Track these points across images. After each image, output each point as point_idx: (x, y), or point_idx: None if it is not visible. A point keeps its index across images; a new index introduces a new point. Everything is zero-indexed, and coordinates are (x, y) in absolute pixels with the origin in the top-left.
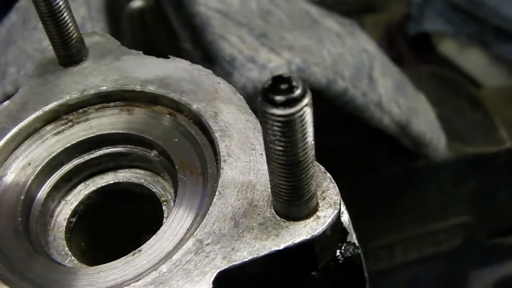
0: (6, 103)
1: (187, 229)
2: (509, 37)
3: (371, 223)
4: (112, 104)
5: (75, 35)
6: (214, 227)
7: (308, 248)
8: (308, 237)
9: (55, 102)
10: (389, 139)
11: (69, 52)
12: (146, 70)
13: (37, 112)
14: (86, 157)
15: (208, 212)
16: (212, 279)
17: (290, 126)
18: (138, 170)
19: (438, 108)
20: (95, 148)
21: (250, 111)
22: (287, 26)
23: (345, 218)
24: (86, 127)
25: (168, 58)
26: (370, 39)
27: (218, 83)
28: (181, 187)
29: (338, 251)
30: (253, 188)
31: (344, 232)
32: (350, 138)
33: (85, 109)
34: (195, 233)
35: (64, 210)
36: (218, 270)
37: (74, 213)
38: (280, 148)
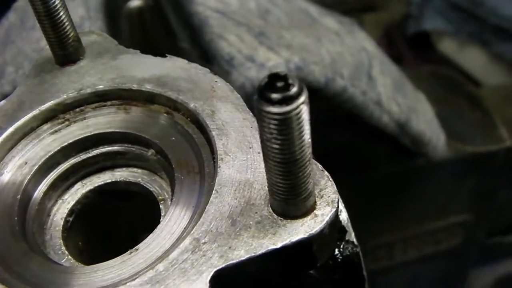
0: (2, 102)
1: (184, 228)
2: (508, 36)
3: (370, 222)
4: (109, 103)
5: (71, 34)
6: (211, 225)
7: (305, 247)
8: (305, 236)
9: (52, 101)
10: (388, 138)
11: (65, 51)
12: (143, 69)
13: (33, 111)
14: (83, 156)
15: (205, 210)
16: (209, 278)
17: (286, 124)
18: (135, 169)
19: (437, 107)
20: (92, 147)
21: (247, 109)
22: (286, 25)
23: (344, 216)
24: (83, 126)
25: (165, 56)
26: (369, 37)
27: (215, 81)
28: (178, 186)
29: (336, 249)
30: (250, 187)
31: (343, 230)
32: (349, 137)
33: (82, 108)
34: (192, 232)
35: (61, 209)
36: (215, 269)
37: (71, 212)
38: (277, 146)
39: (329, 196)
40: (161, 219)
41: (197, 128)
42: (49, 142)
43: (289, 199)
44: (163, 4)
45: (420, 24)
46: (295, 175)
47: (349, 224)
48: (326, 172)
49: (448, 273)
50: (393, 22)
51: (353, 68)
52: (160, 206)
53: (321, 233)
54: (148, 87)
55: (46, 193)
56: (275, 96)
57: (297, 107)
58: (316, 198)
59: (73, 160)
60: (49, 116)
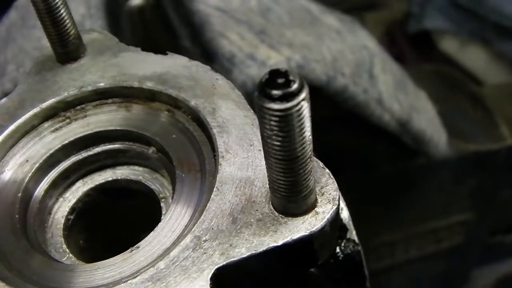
0: (3, 100)
1: (185, 226)
2: (510, 35)
3: (372, 221)
4: (110, 100)
5: (72, 32)
6: (212, 223)
7: (306, 244)
8: (306, 233)
9: (53, 99)
10: (389, 136)
11: (66, 49)
12: (144, 66)
13: (34, 109)
14: (84, 154)
15: (206, 208)
16: (210, 275)
17: (287, 120)
18: (136, 167)
19: (439, 105)
20: (93, 145)
21: (248, 107)
22: (287, 23)
23: (345, 214)
24: (83, 124)
25: (166, 54)
26: (370, 36)
27: (216, 79)
28: (179, 184)
29: (338, 248)
30: (251, 184)
31: (344, 228)
32: (350, 135)
33: (82, 106)
34: (193, 230)
35: (62, 208)
36: (216, 267)
37: (72, 210)
38: (278, 143)
39: (330, 194)
40: (162, 217)
41: (198, 126)
42: (50, 140)
43: (290, 197)
44: (164, 2)
45: (422, 23)
46: (296, 172)
47: (350, 222)
48: (327, 170)
49: (450, 272)
50: (394, 21)
51: (354, 66)
52: (161, 204)
53: (322, 230)
54: (149, 84)
55: (47, 191)
56: (275, 92)
57: (298, 103)
58: (317, 196)
59: (74, 158)
60: (50, 114)
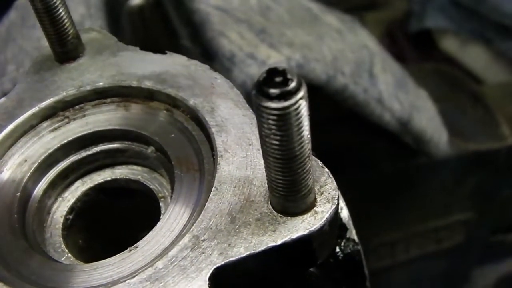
0: (2, 100)
1: (184, 225)
2: (510, 34)
3: (372, 220)
4: (108, 100)
5: (71, 31)
6: (211, 222)
7: (305, 244)
8: (305, 233)
9: (52, 99)
10: (390, 135)
11: (65, 49)
12: (142, 65)
13: (33, 109)
14: (83, 153)
15: (205, 207)
16: (208, 275)
17: (285, 119)
18: (135, 167)
19: (439, 104)
20: (91, 145)
21: (247, 106)
22: (287, 22)
23: (345, 214)
24: (82, 124)
25: (165, 53)
26: (370, 35)
27: (215, 78)
28: (178, 183)
29: (337, 247)
30: (250, 184)
31: (344, 228)
32: (351, 134)
33: (81, 105)
34: (191, 229)
35: (61, 207)
36: (215, 266)
37: (71, 210)
38: (276, 142)
39: (329, 193)
40: (160, 217)
41: (196, 125)
42: (48, 139)
43: (289, 196)
44: (164, 1)
45: (422, 22)
46: (294, 171)
47: (350, 222)
48: (326, 169)
49: (450, 271)
50: (395, 20)
51: (354, 65)
52: (160, 204)
53: (321, 230)
54: (147, 84)
55: (46, 191)
56: (273, 91)
57: (296, 102)
58: (316, 195)
59: (72, 158)
60: (49, 114)
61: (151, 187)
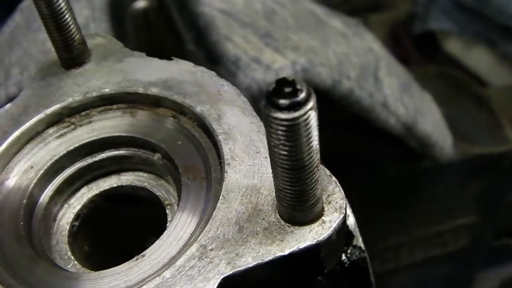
0: (8, 106)
1: (191, 234)
2: None
3: (377, 224)
4: (115, 106)
5: (77, 37)
6: (218, 232)
7: (313, 253)
8: (313, 242)
9: (58, 105)
10: (395, 139)
11: (71, 54)
12: (149, 72)
13: (39, 115)
14: (89, 160)
15: (212, 216)
16: (216, 285)
17: (294, 130)
18: (141, 173)
19: (443, 107)
20: (98, 151)
21: (254, 113)
22: (292, 26)
23: (351, 221)
24: (88, 130)
25: (171, 59)
26: (376, 38)
27: (222, 85)
28: (184, 191)
29: (344, 255)
30: (257, 192)
31: (350, 235)
32: (356, 139)
33: (87, 111)
34: (198, 238)
35: (67, 214)
36: (222, 276)
37: (77, 216)
38: (285, 153)
39: (337, 202)
40: (167, 225)
41: (203, 132)
42: (54, 146)
43: (297, 205)
44: (169, 5)
45: (426, 24)
46: (303, 181)
47: (357, 229)
48: (334, 178)
49: (455, 275)
50: (399, 22)
51: (359, 69)
52: (167, 211)
53: (328, 239)
54: (154, 90)
55: (52, 198)
56: (283, 102)
57: (305, 113)
58: (324, 204)
59: (79, 164)
60: (55, 120)
61: (157, 194)
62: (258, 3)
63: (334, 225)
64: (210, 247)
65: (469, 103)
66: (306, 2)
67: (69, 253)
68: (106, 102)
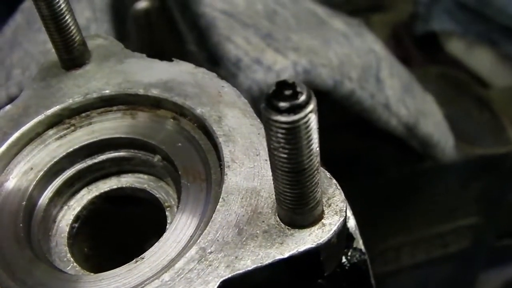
0: (8, 107)
1: (190, 236)
2: None
3: (378, 225)
4: (115, 108)
5: (77, 38)
6: (218, 234)
7: (313, 256)
8: (313, 245)
9: (58, 106)
10: (396, 140)
11: (71, 56)
12: (149, 73)
13: (39, 116)
14: (89, 161)
15: (212, 219)
16: None
17: (294, 133)
18: (141, 175)
19: (445, 108)
20: (98, 153)
21: (255, 115)
22: (293, 27)
23: (352, 223)
24: (88, 132)
25: (172, 61)
26: (377, 39)
27: (222, 86)
28: (184, 193)
29: (344, 257)
30: (257, 195)
31: (351, 237)
32: (357, 140)
33: (87, 113)
34: (198, 241)
35: (67, 216)
36: (221, 279)
37: (77, 218)
38: (285, 156)
39: (337, 205)
40: (167, 227)
41: (203, 134)
42: (54, 147)
43: (297, 209)
44: (170, 5)
45: (428, 24)
46: (303, 184)
47: (357, 232)
48: (334, 180)
49: (457, 276)
50: (401, 23)
51: (361, 70)
52: (167, 213)
53: (328, 242)
54: (154, 92)
55: (52, 199)
56: (283, 104)
57: (306, 116)
58: (324, 207)
59: (78, 166)
60: (55, 121)
61: (157, 195)
62: (260, 3)
63: (334, 228)
64: (209, 250)
65: (470, 104)
66: (307, 2)
67: (69, 255)
68: (106, 103)
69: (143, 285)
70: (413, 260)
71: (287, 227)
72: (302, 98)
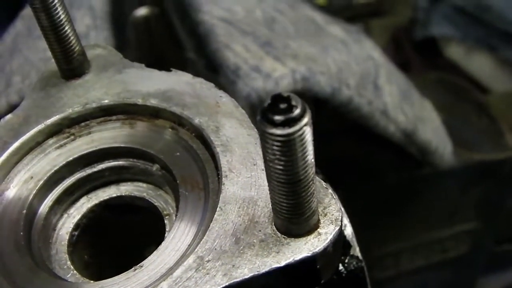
0: (8, 116)
1: (189, 245)
2: None
3: (377, 231)
4: (114, 117)
5: (77, 48)
6: (215, 243)
7: (309, 265)
8: (309, 254)
9: (57, 116)
10: (395, 147)
11: (71, 66)
12: (148, 83)
13: (39, 126)
14: (88, 170)
15: (209, 228)
16: None
17: (289, 145)
18: (140, 184)
19: (444, 114)
20: (97, 162)
21: (252, 125)
22: (292, 34)
23: (349, 231)
24: (88, 141)
25: (170, 71)
26: (376, 46)
27: (220, 96)
28: (182, 202)
29: (341, 264)
30: (254, 204)
31: (348, 245)
32: (355, 146)
33: (87, 122)
34: (196, 250)
35: (67, 224)
36: None
37: (77, 226)
38: (280, 167)
39: (332, 214)
40: (166, 235)
41: (201, 144)
42: (54, 156)
43: (293, 218)
44: (170, 13)
45: (427, 29)
46: (298, 195)
47: (354, 239)
48: (330, 190)
49: (456, 281)
50: (400, 28)
51: (359, 77)
52: (165, 221)
53: (324, 251)
54: (153, 102)
55: (52, 208)
56: (278, 118)
57: (300, 129)
58: (320, 216)
59: (78, 175)
60: (55, 131)
61: (156, 204)
62: (259, 11)
63: (330, 237)
64: (207, 259)
65: (469, 109)
66: (306, 9)
67: (69, 262)
68: (105, 113)
69: None
70: (412, 266)
71: (283, 236)
72: (297, 111)
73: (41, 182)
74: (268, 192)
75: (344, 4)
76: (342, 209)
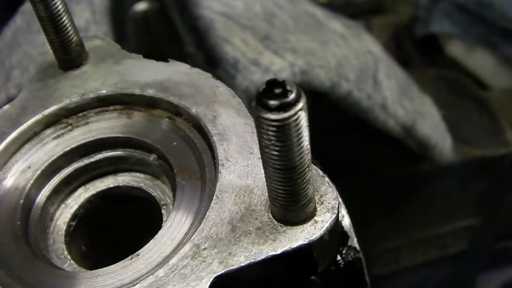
0: (6, 107)
1: (185, 233)
2: None
3: (376, 226)
4: (111, 107)
5: (74, 39)
6: (211, 231)
7: (305, 253)
8: (305, 242)
9: (55, 106)
10: (394, 142)
11: (69, 56)
12: (145, 73)
13: (37, 116)
14: (86, 160)
15: (206, 216)
16: (209, 284)
17: (284, 130)
18: (137, 174)
19: (444, 110)
20: (94, 152)
21: (249, 114)
22: (292, 29)
23: (346, 222)
24: (85, 131)
25: (168, 61)
26: (375, 40)
27: (217, 86)
28: (179, 191)
29: (338, 255)
30: (250, 192)
31: (345, 236)
32: (354, 141)
33: (84, 112)
34: (192, 238)
35: (64, 214)
36: (215, 275)
37: (74, 216)
38: (275, 153)
39: (329, 203)
40: (162, 224)
41: (198, 133)
42: (52, 146)
43: (289, 206)
44: (169, 7)
45: (428, 27)
46: (294, 181)
47: (352, 230)
48: (326, 178)
49: (455, 277)
50: (401, 25)
51: (358, 71)
52: (162, 211)
53: (321, 239)
54: (150, 92)
55: (49, 198)
56: (272, 102)
57: (295, 113)
58: (317, 204)
59: (76, 165)
60: (52, 121)
61: (153, 194)
62: (258, 5)
63: (326, 225)
64: (203, 246)
65: (469, 106)
66: (306, 4)
67: (66, 252)
68: (102, 103)
69: (138, 281)
70: (412, 262)
71: (279, 224)
72: (292, 96)
73: (38, 172)
74: (265, 180)
75: (345, 2)
76: (340, 198)
